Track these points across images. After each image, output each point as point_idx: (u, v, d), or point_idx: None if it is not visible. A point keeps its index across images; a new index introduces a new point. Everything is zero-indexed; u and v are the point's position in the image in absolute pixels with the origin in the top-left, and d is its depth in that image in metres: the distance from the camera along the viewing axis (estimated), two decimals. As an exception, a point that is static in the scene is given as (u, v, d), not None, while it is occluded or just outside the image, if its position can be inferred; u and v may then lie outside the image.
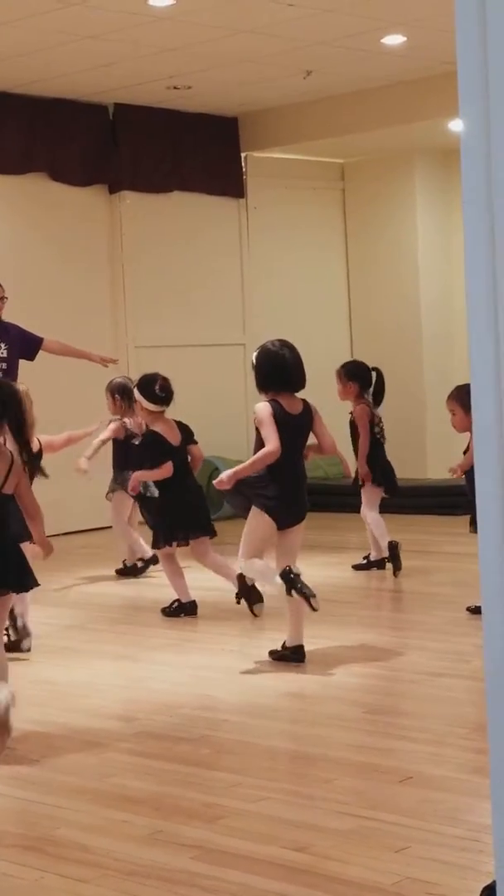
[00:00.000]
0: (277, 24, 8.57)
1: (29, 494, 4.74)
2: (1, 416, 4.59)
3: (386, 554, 8.01)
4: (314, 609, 5.65)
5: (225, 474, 5.76)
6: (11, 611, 6.03)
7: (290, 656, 5.80)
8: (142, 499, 7.42)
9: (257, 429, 5.81)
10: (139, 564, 8.43)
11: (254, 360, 5.88)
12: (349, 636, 6.36)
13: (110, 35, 8.66)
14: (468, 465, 6.47)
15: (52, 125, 10.43)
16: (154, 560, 8.35)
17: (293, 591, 5.65)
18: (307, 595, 5.62)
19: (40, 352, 8.47)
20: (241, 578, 6.77)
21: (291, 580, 5.64)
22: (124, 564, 8.52)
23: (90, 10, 8.04)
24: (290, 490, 5.81)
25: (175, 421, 7.11)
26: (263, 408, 5.74)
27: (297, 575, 5.67)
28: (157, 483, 7.08)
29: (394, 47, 9.34)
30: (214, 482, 5.80)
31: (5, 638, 6.05)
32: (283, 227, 12.18)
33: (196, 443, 7.16)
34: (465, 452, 6.81)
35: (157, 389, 6.96)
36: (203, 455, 7.29)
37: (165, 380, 7.00)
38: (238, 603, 6.76)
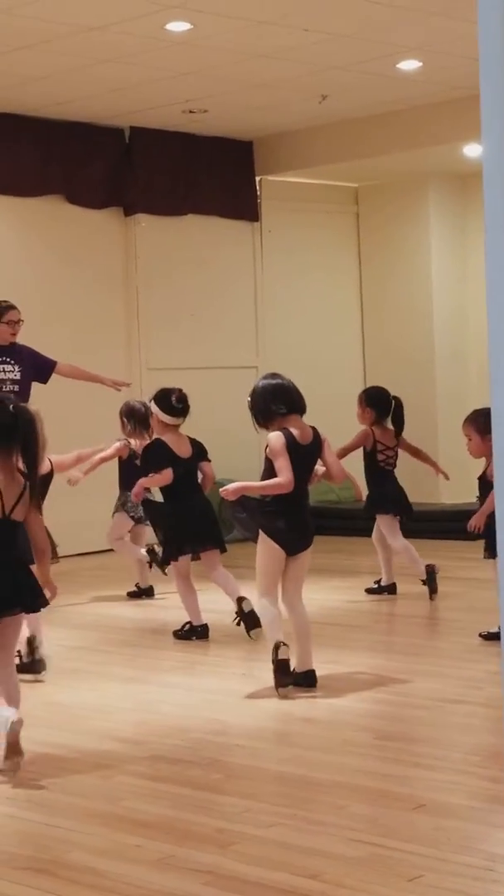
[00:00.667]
0: (293, 48, 8.61)
1: (39, 527, 4.73)
2: (15, 440, 4.58)
3: (423, 577, 7.94)
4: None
5: (232, 485, 5.74)
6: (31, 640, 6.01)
7: (301, 682, 5.76)
8: (148, 508, 7.42)
9: (268, 457, 5.78)
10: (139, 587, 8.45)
11: (249, 401, 5.86)
12: (361, 661, 6.33)
13: (127, 59, 8.70)
14: (490, 509, 6.46)
15: (68, 148, 10.48)
16: (149, 591, 8.36)
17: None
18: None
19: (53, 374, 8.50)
20: (240, 602, 6.76)
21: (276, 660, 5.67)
22: (137, 587, 8.50)
23: (108, 34, 8.08)
24: (299, 519, 5.81)
25: (189, 437, 7.09)
26: (277, 438, 5.72)
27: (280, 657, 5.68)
28: (165, 495, 7.05)
29: (409, 72, 9.37)
30: (221, 490, 5.78)
31: (17, 660, 6.04)
32: (297, 251, 12.20)
33: (209, 461, 7.13)
34: (479, 478, 6.78)
35: (173, 401, 6.95)
36: (214, 475, 7.21)
37: (182, 392, 6.99)
38: (237, 625, 6.77)
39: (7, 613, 4.68)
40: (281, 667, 5.68)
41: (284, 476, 5.66)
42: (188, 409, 6.99)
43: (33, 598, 4.73)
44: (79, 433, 8.85)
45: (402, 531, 8.21)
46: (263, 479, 5.81)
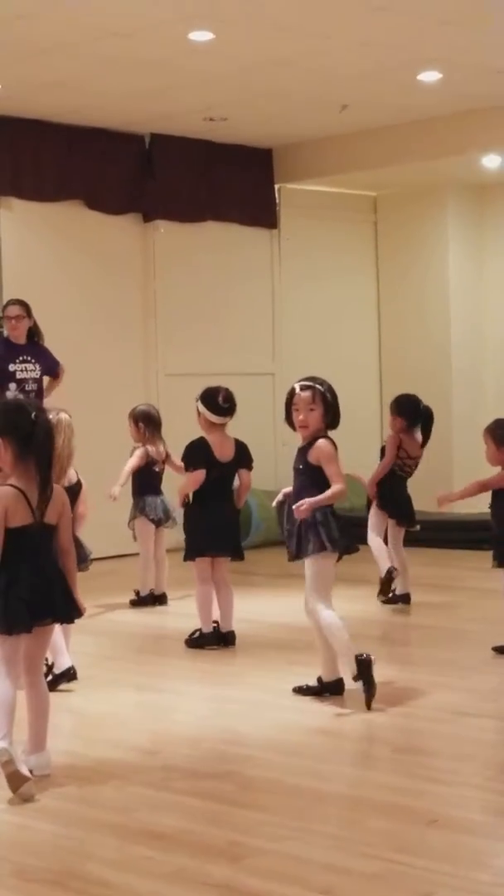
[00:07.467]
0: (314, 57, 8.61)
1: (66, 534, 4.71)
2: (32, 446, 4.56)
3: (382, 574, 8.00)
4: (368, 707, 5.50)
5: (305, 503, 5.61)
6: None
7: (332, 690, 5.73)
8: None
9: (310, 463, 5.70)
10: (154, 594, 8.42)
11: (329, 396, 5.76)
12: (375, 672, 6.29)
13: (149, 66, 8.71)
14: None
15: (88, 154, 10.49)
16: (162, 598, 8.32)
17: (360, 680, 5.52)
18: (368, 692, 5.51)
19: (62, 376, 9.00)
20: (216, 627, 6.90)
21: (366, 667, 5.54)
22: (151, 593, 8.45)
23: (131, 41, 8.09)
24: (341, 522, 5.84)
25: (235, 440, 7.07)
26: (329, 445, 5.72)
27: (371, 663, 5.56)
28: (195, 496, 7.04)
29: (429, 83, 9.37)
30: (294, 510, 5.66)
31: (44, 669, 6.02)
32: (316, 259, 12.20)
33: (250, 469, 7.09)
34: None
35: (220, 400, 6.96)
36: (251, 484, 7.18)
37: (228, 391, 7.00)
38: (188, 644, 6.93)
39: (39, 623, 4.61)
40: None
41: (342, 482, 5.67)
42: (235, 408, 7.00)
43: (67, 609, 4.71)
44: (92, 440, 8.87)
45: (408, 540, 8.23)
46: (301, 483, 5.74)
